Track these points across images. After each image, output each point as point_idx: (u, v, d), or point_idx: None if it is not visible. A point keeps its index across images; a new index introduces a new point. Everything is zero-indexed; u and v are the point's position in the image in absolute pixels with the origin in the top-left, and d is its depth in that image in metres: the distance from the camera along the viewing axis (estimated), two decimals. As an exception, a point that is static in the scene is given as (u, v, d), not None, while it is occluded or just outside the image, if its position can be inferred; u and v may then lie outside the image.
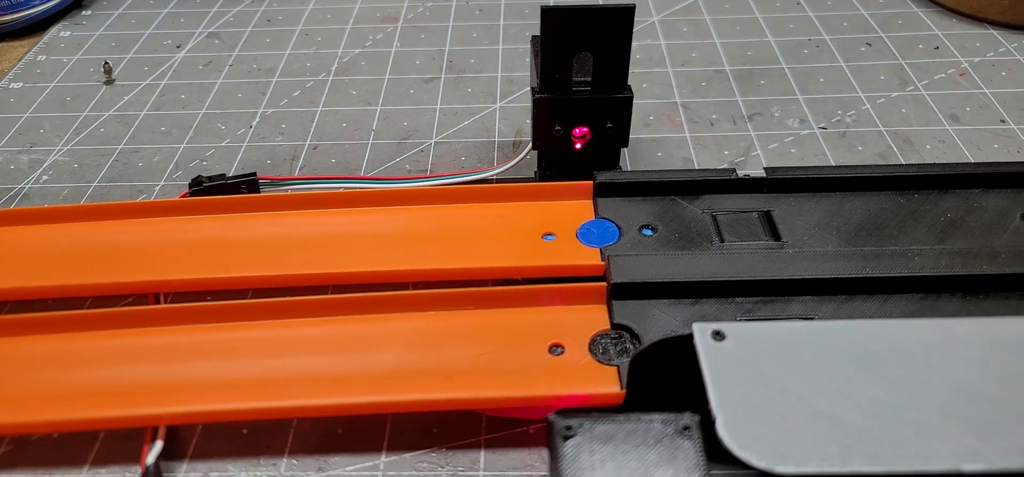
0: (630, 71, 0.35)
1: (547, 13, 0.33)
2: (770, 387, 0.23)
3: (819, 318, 0.30)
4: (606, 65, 0.34)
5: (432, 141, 0.45)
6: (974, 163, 0.37)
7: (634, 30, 0.34)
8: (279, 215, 0.36)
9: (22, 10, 0.58)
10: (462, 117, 0.47)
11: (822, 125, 0.45)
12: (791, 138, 0.44)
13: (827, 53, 0.52)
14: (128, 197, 0.41)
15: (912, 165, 0.37)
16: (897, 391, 0.23)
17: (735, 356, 0.24)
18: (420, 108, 0.48)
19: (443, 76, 0.51)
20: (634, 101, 0.35)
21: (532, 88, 0.36)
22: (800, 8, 0.58)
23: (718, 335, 0.25)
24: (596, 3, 0.34)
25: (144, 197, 0.41)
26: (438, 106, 0.48)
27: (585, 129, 0.36)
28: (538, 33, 0.34)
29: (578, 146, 0.36)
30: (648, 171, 0.38)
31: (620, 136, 0.36)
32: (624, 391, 0.27)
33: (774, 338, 0.25)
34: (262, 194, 0.37)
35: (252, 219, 0.36)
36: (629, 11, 0.33)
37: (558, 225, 0.35)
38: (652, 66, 0.51)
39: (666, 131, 0.45)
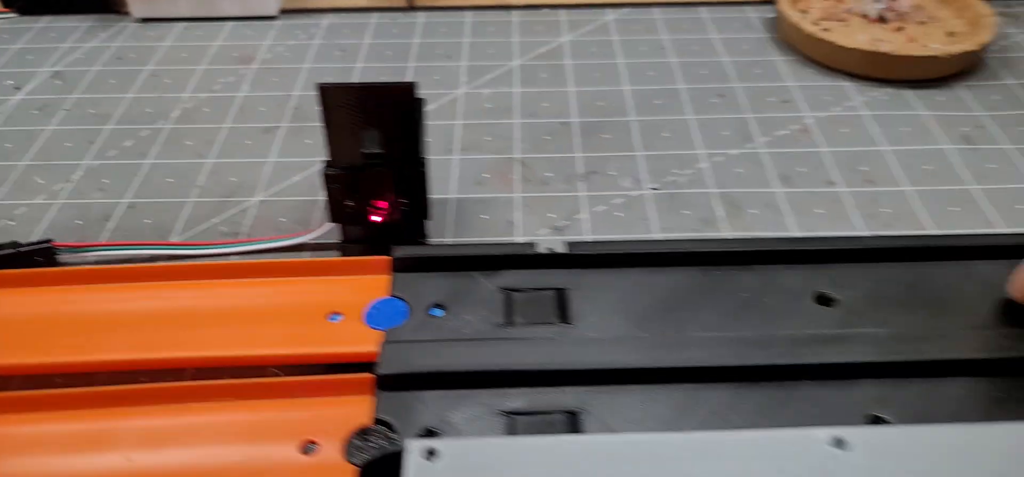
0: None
1: (326, 91, 0.32)
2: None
3: (587, 410, 0.29)
4: (395, 140, 0.33)
5: (257, 200, 0.44)
6: (774, 237, 0.36)
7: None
8: (66, 291, 0.35)
9: None
10: (293, 171, 0.46)
11: (654, 186, 0.44)
12: (621, 200, 0.43)
13: (677, 105, 0.52)
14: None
15: (714, 240, 0.36)
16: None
17: (447, 477, 0.23)
18: (253, 161, 0.47)
19: (285, 125, 0.50)
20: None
21: (325, 162, 0.35)
22: (664, 53, 0.58)
23: (431, 453, 0.24)
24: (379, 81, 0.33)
25: (-60, 261, 0.39)
26: (272, 159, 0.47)
27: (384, 203, 0.35)
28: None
29: (377, 218, 0.35)
30: (448, 245, 0.37)
31: (418, 209, 0.35)
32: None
33: (493, 455, 0.24)
34: (49, 269, 0.36)
35: (36, 295, 0.35)
36: (409, 89, 0.32)
37: (348, 304, 0.34)
38: (500, 117, 0.51)
39: (497, 190, 0.44)
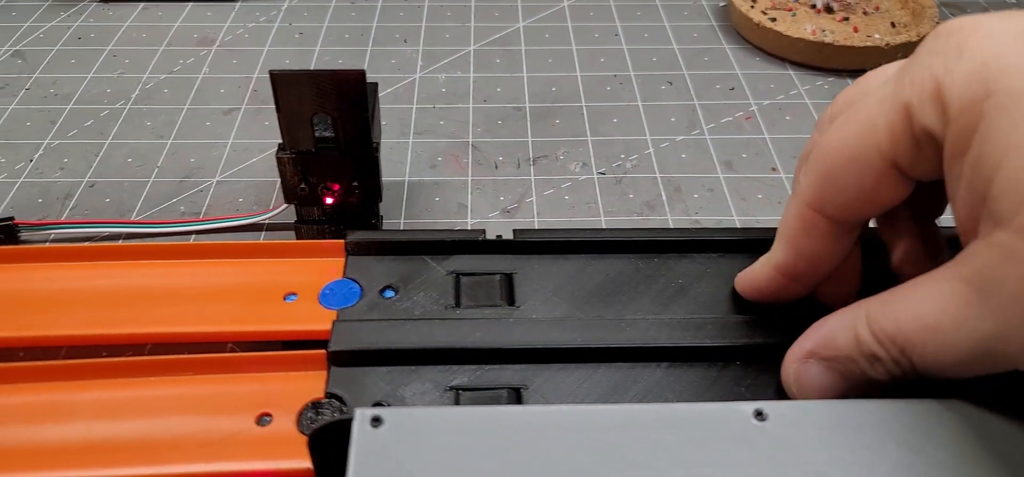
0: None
1: (277, 77, 0.33)
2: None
3: (529, 387, 0.31)
4: (347, 126, 0.35)
5: (215, 180, 0.45)
6: (713, 229, 0.38)
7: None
8: (27, 268, 0.36)
9: None
10: (252, 153, 0.47)
11: (602, 170, 0.46)
12: (568, 184, 0.45)
13: (628, 91, 0.53)
14: None
15: (654, 229, 0.38)
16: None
17: (389, 443, 0.25)
18: (211, 142, 0.48)
19: (244, 107, 0.51)
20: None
21: (278, 145, 0.36)
22: (617, 40, 0.59)
23: (376, 421, 0.25)
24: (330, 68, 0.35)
25: (-99, 239, 0.40)
26: (230, 141, 0.48)
27: (336, 186, 0.37)
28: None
29: (329, 201, 0.37)
30: (400, 230, 0.39)
31: (370, 193, 0.37)
32: (311, 467, 0.28)
33: (435, 424, 0.25)
34: (11, 246, 0.37)
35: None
36: (360, 77, 0.34)
37: (304, 285, 0.35)
38: (455, 101, 0.52)
39: (450, 174, 0.46)
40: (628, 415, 0.26)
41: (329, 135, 0.35)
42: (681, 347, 0.32)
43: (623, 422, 0.25)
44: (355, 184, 0.36)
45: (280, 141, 0.36)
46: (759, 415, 0.25)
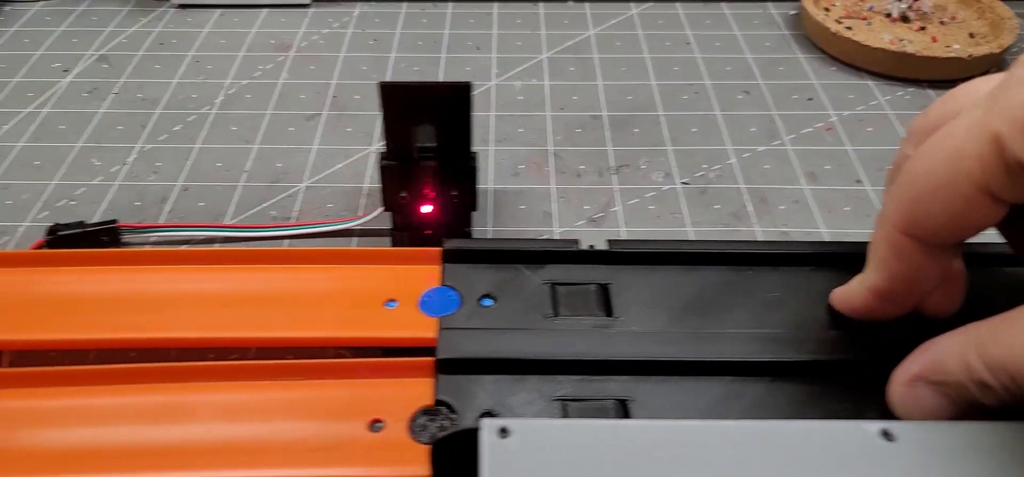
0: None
1: (386, 89, 0.34)
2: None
3: (635, 399, 0.31)
4: (448, 136, 0.35)
5: (303, 185, 0.45)
6: (805, 242, 0.38)
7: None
8: (132, 271, 0.37)
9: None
10: (337, 159, 0.48)
11: (685, 180, 0.46)
12: (652, 193, 0.45)
13: (705, 100, 0.53)
14: (-11, 238, 0.41)
15: (747, 242, 0.38)
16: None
17: (518, 454, 0.25)
18: (297, 147, 0.48)
19: (325, 113, 0.52)
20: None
21: (380, 154, 0.37)
22: (689, 49, 0.60)
23: (504, 431, 0.26)
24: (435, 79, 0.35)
25: (6, 239, 0.41)
26: (315, 146, 0.49)
27: (433, 193, 0.37)
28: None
29: (427, 209, 0.37)
30: (496, 239, 0.39)
31: (467, 202, 0.37)
32: (430, 474, 0.28)
33: (561, 436, 0.26)
34: (117, 249, 0.38)
35: (104, 274, 0.36)
36: (465, 88, 0.34)
37: (403, 292, 0.36)
38: (532, 109, 0.52)
39: (533, 181, 0.46)
40: (756, 431, 0.26)
41: (430, 144, 0.36)
42: (783, 362, 0.32)
43: (751, 438, 0.26)
44: (454, 193, 0.36)
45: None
46: (886, 435, 0.25)
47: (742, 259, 0.37)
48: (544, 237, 0.42)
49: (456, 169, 0.36)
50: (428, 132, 0.36)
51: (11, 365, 0.35)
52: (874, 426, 0.26)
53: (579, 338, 0.33)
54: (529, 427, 0.26)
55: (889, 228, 0.28)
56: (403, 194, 0.36)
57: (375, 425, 0.30)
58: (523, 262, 0.37)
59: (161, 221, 0.42)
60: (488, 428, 0.26)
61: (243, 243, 0.41)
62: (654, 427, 0.26)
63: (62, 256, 0.37)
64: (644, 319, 0.34)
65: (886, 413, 0.30)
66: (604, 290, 0.35)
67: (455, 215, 0.38)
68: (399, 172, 0.36)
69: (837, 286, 0.35)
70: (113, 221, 0.39)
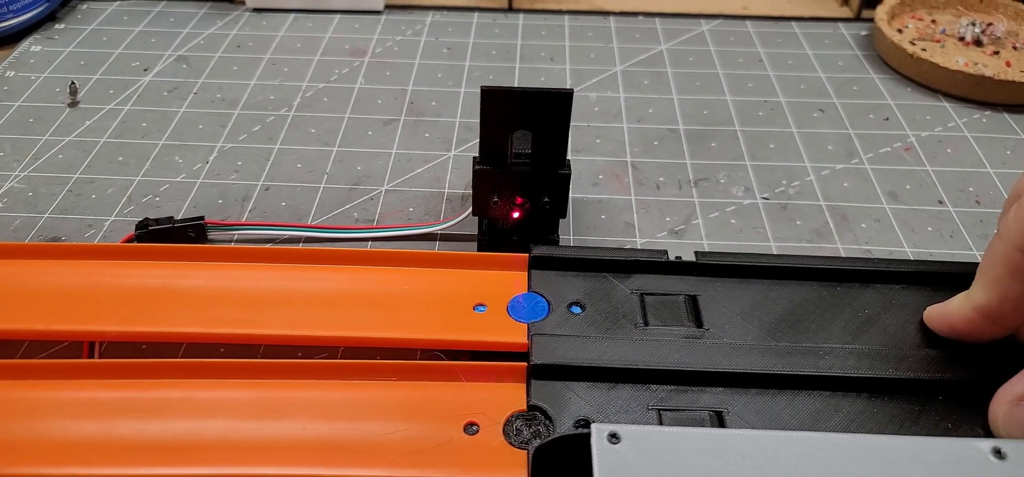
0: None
1: (487, 94, 0.34)
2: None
3: (730, 410, 0.31)
4: (545, 143, 0.35)
5: (383, 189, 0.46)
6: (894, 260, 0.38)
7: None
8: (220, 267, 0.37)
9: (-5, 22, 0.58)
10: (416, 164, 0.48)
11: (765, 195, 0.46)
12: (733, 207, 0.45)
13: (780, 117, 0.53)
14: (78, 231, 0.42)
15: (836, 258, 0.38)
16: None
17: (629, 460, 0.25)
18: (375, 151, 0.49)
19: (403, 118, 0.52)
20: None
21: (474, 158, 0.37)
22: (761, 65, 0.59)
23: (614, 437, 0.26)
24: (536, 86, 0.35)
25: (93, 232, 0.42)
26: (394, 151, 0.49)
27: (523, 200, 0.37)
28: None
29: (516, 215, 0.37)
30: (583, 248, 0.39)
31: (558, 209, 0.37)
32: (529, 479, 0.28)
33: (669, 443, 0.26)
34: (205, 245, 0.38)
35: (193, 269, 0.37)
36: (567, 96, 0.34)
37: (491, 296, 0.36)
38: (609, 120, 0.52)
39: (613, 192, 0.46)
40: (867, 445, 0.26)
41: (524, 151, 0.36)
42: (881, 379, 0.32)
43: (860, 453, 0.25)
44: (546, 200, 0.36)
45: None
46: (998, 453, 0.25)
47: (831, 275, 0.36)
48: (627, 247, 0.42)
49: (550, 176, 0.36)
50: (524, 138, 0.36)
51: (102, 356, 0.35)
52: (986, 444, 0.25)
53: (671, 348, 0.33)
54: (638, 433, 0.26)
55: (1009, 247, 0.28)
56: (495, 199, 0.36)
57: (470, 428, 0.30)
58: (610, 271, 0.37)
59: (245, 219, 0.43)
60: (597, 433, 0.26)
61: (325, 244, 0.41)
62: (762, 437, 0.26)
63: (153, 250, 0.37)
64: (736, 331, 0.34)
65: (986, 431, 0.30)
66: (693, 301, 0.35)
67: (544, 222, 0.38)
68: (492, 177, 0.36)
69: (929, 304, 0.35)
70: (200, 218, 0.40)
